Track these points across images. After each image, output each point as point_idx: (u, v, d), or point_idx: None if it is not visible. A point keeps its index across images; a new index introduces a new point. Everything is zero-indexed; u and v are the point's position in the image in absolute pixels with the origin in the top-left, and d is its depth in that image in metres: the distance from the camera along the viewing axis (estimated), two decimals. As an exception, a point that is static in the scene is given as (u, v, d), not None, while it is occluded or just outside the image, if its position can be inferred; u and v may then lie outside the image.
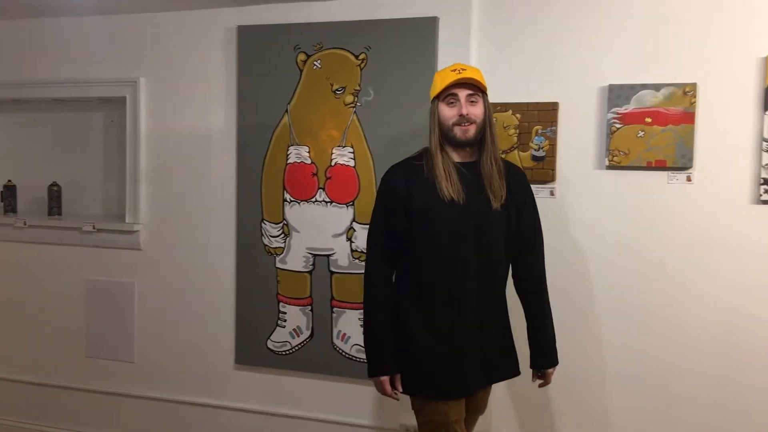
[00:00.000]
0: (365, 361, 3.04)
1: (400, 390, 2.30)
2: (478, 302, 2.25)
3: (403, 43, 2.95)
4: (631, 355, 2.79)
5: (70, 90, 3.47)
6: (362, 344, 3.05)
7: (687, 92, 2.64)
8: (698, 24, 2.66)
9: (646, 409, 2.78)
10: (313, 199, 3.13)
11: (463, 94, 2.21)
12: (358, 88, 3.03)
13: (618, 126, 2.73)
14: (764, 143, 2.58)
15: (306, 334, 3.18)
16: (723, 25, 2.64)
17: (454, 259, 2.21)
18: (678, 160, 2.66)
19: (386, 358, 2.28)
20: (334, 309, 3.13)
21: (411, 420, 3.04)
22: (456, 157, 2.25)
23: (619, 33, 2.75)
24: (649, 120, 2.69)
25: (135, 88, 3.35)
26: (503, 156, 2.86)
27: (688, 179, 2.68)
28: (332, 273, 3.12)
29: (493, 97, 2.89)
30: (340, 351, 3.13)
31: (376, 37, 2.99)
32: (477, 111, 2.22)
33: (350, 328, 3.10)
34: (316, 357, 3.16)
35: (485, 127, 2.24)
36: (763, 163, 2.58)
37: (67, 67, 3.46)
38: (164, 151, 3.36)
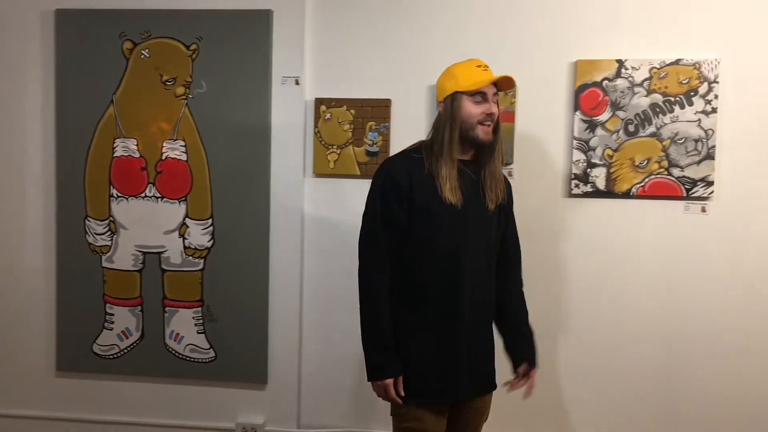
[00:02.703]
0: (199, 360, 3.00)
1: (403, 393, 2.08)
2: (473, 305, 2.11)
3: (237, 35, 2.90)
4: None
5: None
6: (196, 344, 3.00)
7: (507, 92, 2.81)
8: (517, 28, 2.84)
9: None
10: (143, 195, 2.99)
11: (491, 92, 2.11)
12: (189, 79, 2.93)
13: (446, 123, 2.84)
14: (574, 141, 2.79)
15: (136, 335, 3.03)
16: (539, 31, 2.83)
17: (451, 259, 2.08)
18: (500, 156, 2.82)
19: (390, 359, 2.07)
20: (167, 308, 3.01)
21: (249, 418, 3.02)
22: (460, 155, 2.13)
23: (445, 33, 2.87)
24: (473, 118, 2.83)
25: (-64, 72, 3.03)
26: (338, 152, 2.92)
27: (510, 174, 2.85)
28: (164, 271, 3.00)
29: (328, 92, 2.94)
30: (173, 352, 3.02)
31: (208, 28, 2.91)
32: (497, 111, 2.13)
33: (184, 328, 3.00)
34: (147, 359, 3.03)
35: (498, 126, 2.15)
36: (574, 159, 2.80)
37: None
38: (-28, 143, 3.07)
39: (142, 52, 2.95)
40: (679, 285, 2.81)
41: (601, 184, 2.79)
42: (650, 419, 2.86)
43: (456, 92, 2.10)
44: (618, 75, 2.76)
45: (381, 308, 2.08)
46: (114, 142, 2.98)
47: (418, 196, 2.08)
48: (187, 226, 2.98)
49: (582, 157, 2.79)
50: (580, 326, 2.87)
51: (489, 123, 2.10)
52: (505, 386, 2.23)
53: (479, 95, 2.09)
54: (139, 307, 3.02)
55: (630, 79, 2.75)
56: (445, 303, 2.09)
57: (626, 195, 2.78)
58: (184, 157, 2.96)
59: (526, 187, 2.83)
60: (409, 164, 2.12)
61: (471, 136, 2.10)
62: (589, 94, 2.78)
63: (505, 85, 2.16)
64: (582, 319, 2.87)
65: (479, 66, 2.14)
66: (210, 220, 2.96)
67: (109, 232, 3.01)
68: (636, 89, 2.75)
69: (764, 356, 2.79)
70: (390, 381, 2.06)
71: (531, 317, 2.81)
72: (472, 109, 2.09)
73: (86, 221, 3.01)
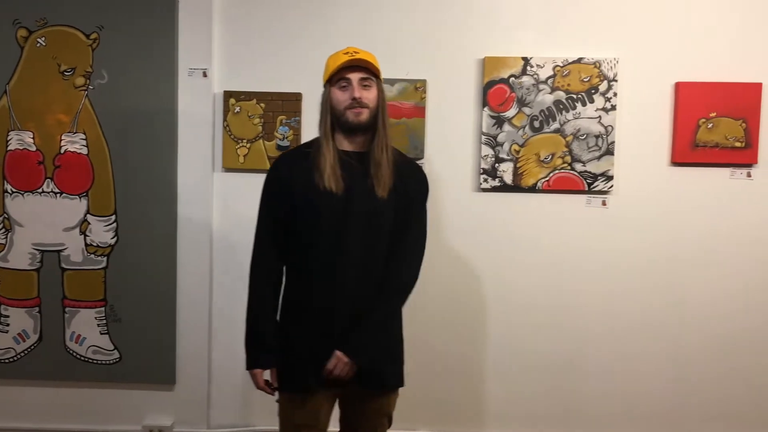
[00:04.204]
0: (103, 362, 2.89)
1: (275, 385, 2.12)
2: (357, 295, 2.07)
3: (140, 24, 2.80)
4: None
5: None
6: (99, 345, 2.90)
7: (418, 88, 2.83)
8: (427, 25, 2.86)
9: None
10: (40, 190, 2.85)
11: (355, 77, 2.07)
12: (90, 69, 2.81)
13: (357, 118, 2.84)
14: (483, 137, 2.85)
15: (33, 338, 2.89)
16: (448, 28, 2.86)
17: (334, 249, 2.06)
18: (411, 151, 2.84)
19: (262, 351, 2.11)
20: (67, 309, 2.88)
21: (156, 420, 2.94)
22: (347, 146, 2.11)
23: (355, 29, 2.86)
24: (384, 113, 2.83)
25: None
26: (248, 146, 2.87)
27: (420, 169, 2.87)
28: (64, 270, 2.87)
29: (237, 85, 2.88)
30: (74, 354, 2.89)
31: (109, 16, 2.80)
32: (370, 95, 2.08)
33: (85, 329, 2.88)
34: (46, 362, 2.90)
35: (378, 112, 2.11)
36: (482, 154, 2.85)
37: None
38: None
39: (38, 40, 2.80)
40: (580, 276, 2.91)
41: (508, 178, 2.85)
42: (549, 412, 2.95)
43: (326, 83, 2.13)
44: (524, 72, 2.83)
45: (259, 302, 2.13)
46: (8, 135, 2.83)
47: (297, 188, 2.08)
48: (89, 223, 2.86)
49: (490, 152, 2.85)
50: (485, 318, 2.93)
51: (357, 107, 2.06)
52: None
53: (343, 81, 2.09)
54: (37, 308, 2.89)
55: (535, 76, 2.82)
56: (325, 291, 2.07)
57: (532, 189, 2.86)
58: (84, 150, 2.84)
59: (437, 182, 2.86)
60: (294, 158, 2.16)
61: (343, 122, 2.09)
62: (497, 91, 2.83)
63: (369, 67, 2.11)
64: (488, 311, 2.93)
65: (347, 53, 2.12)
66: (113, 217, 2.85)
67: (3, 230, 2.86)
68: (541, 86, 2.83)
69: (661, 345, 2.93)
70: (258, 371, 2.11)
71: (438, 307, 2.86)
72: (338, 95, 2.08)
73: (-23, 218, 2.85)
